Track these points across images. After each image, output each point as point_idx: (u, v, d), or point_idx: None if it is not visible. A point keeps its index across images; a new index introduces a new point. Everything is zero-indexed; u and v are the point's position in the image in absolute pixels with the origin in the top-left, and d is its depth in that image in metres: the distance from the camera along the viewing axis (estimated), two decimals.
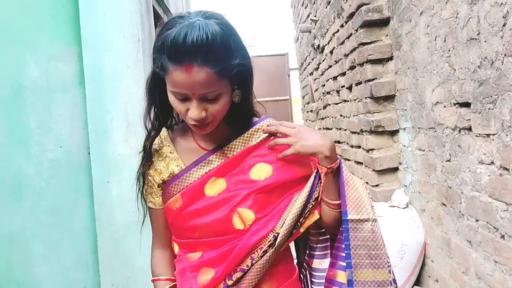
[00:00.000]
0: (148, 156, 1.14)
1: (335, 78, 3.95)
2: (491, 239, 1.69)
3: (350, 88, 3.43)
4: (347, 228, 1.06)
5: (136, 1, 3.05)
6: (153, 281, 1.22)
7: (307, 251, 1.22)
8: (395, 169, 2.87)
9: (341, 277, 1.08)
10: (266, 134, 1.14)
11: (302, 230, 1.10)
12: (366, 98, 2.98)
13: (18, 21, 2.93)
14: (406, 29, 2.51)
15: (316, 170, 1.10)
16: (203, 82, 0.95)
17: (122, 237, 2.85)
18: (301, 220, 1.08)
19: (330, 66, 4.12)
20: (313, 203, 1.09)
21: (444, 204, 2.14)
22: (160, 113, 1.13)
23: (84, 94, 2.92)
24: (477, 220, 1.81)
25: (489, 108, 1.63)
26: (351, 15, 3.12)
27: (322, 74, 4.62)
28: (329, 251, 1.18)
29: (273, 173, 1.10)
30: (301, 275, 1.22)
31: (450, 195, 2.05)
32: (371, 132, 2.91)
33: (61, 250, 2.96)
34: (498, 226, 1.62)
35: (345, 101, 3.64)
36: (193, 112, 0.99)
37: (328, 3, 3.96)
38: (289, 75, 8.81)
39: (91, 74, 2.93)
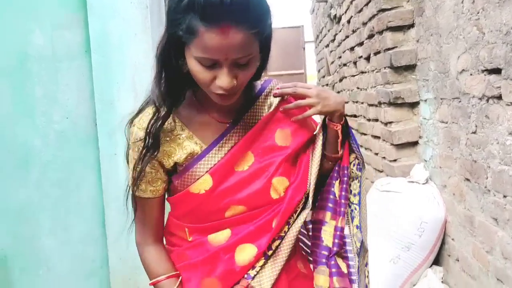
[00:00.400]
0: (157, 141, 0.99)
1: (352, 48, 3.78)
2: None
3: (368, 58, 3.26)
4: (361, 179, 1.20)
5: None
6: (155, 283, 1.08)
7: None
8: (415, 143, 2.72)
9: (327, 217, 1.13)
10: (278, 99, 1.09)
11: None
12: (385, 68, 2.82)
13: None
14: None
15: (322, 131, 1.12)
16: (239, 45, 0.85)
17: (130, 211, 2.77)
18: (317, 177, 1.08)
19: (347, 37, 3.95)
20: (323, 159, 1.12)
21: (467, 179, 2.01)
22: (174, 87, 0.99)
23: (90, 63, 2.81)
24: (504, 196, 1.67)
25: None
26: None
27: (338, 46, 4.45)
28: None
29: (292, 137, 1.08)
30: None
31: (475, 170, 1.91)
32: (390, 104, 2.76)
33: (69, 223, 2.90)
34: None
35: (362, 72, 3.48)
36: (224, 80, 0.89)
37: None
38: (304, 48, 8.60)
39: (97, 42, 2.82)
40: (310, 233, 1.19)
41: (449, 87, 2.17)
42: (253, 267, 1.03)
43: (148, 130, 0.98)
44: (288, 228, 1.04)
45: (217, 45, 0.84)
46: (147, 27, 2.86)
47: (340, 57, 4.41)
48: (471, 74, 1.92)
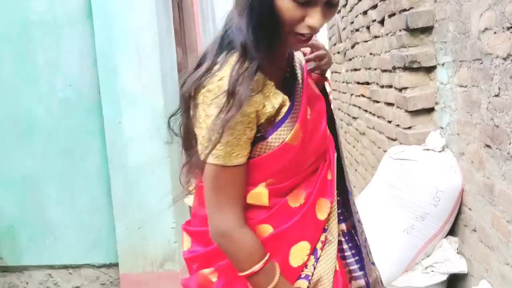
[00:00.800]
0: (247, 92, 0.87)
1: (365, 12, 3.62)
2: None
3: (382, 22, 3.11)
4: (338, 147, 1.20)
5: None
6: (265, 264, 0.94)
7: None
8: (431, 110, 2.60)
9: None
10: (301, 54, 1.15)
11: None
12: (400, 30, 2.68)
13: None
14: None
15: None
16: None
17: (136, 180, 2.72)
18: None
19: (359, 0, 3.78)
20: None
21: (488, 146, 1.90)
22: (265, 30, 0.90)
23: (92, 28, 2.71)
24: None
25: None
26: None
27: (350, 11, 4.27)
28: None
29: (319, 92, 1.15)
30: None
31: (497, 135, 1.80)
32: (405, 68, 2.63)
33: (74, 192, 2.86)
34: None
35: (375, 37, 3.33)
36: (317, 19, 0.88)
37: None
38: None
39: (99, 6, 2.71)
40: None
41: (470, 48, 2.04)
42: (328, 219, 1.07)
43: (236, 80, 0.86)
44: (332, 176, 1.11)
45: None
46: None
47: (352, 22, 4.25)
48: (495, 33, 1.78)
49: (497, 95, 1.79)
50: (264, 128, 0.95)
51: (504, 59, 1.72)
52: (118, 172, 2.74)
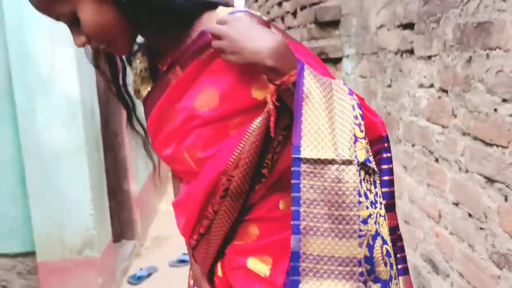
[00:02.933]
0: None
1: (279, 4, 3.78)
2: (425, 163, 1.69)
3: (294, 14, 3.29)
4: (298, 173, 0.73)
5: None
6: None
7: None
8: None
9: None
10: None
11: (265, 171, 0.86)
12: (310, 23, 2.86)
13: None
14: None
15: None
16: (41, 5, 0.80)
17: (52, 167, 2.68)
18: (270, 159, 0.84)
19: None
20: (283, 135, 0.84)
21: None
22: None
23: (1, 11, 2.61)
24: (413, 145, 1.80)
25: (432, 28, 1.57)
26: None
27: (266, 1, 4.42)
28: None
29: (219, 101, 0.83)
30: None
31: (389, 122, 2.03)
32: None
33: None
34: (433, 150, 1.62)
35: (289, 27, 3.50)
36: (74, 42, 0.84)
37: None
38: (233, 3, 8.48)
39: None
40: None
41: (369, 42, 2.25)
42: (191, 237, 0.96)
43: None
44: (214, 212, 0.90)
45: (37, 10, 0.81)
46: None
47: (268, 12, 4.40)
48: (388, 29, 2.00)
49: (389, 86, 2.02)
50: None
51: (395, 53, 1.94)
52: (32, 160, 2.69)
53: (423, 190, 1.73)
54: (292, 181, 0.74)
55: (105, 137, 3.21)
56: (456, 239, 1.49)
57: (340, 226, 0.73)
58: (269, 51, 0.75)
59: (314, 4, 2.79)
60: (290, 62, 0.77)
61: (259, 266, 0.89)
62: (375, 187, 0.80)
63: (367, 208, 0.74)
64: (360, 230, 0.73)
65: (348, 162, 0.74)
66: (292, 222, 0.73)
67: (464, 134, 1.40)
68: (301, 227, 0.73)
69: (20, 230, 2.78)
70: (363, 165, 0.76)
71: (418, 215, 1.79)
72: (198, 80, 0.85)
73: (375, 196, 0.79)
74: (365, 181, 0.76)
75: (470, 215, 1.39)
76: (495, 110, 1.22)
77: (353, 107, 0.80)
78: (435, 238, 1.64)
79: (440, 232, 1.61)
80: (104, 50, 0.88)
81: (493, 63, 1.21)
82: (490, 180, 1.27)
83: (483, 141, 1.29)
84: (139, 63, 0.99)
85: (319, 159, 0.73)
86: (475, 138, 1.33)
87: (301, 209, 0.73)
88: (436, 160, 1.60)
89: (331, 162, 0.73)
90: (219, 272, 0.96)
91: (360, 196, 0.74)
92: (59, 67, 2.64)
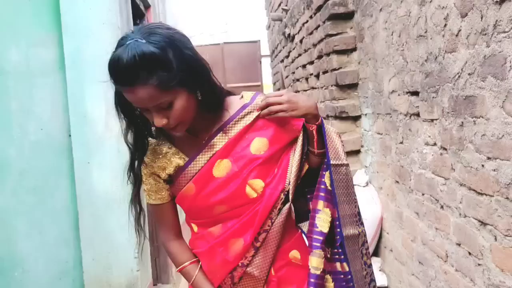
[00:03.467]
0: (140, 179, 1.27)
1: (304, 66, 4.17)
2: (433, 209, 1.95)
3: (317, 76, 3.65)
4: (331, 171, 1.23)
5: None
6: (180, 269, 1.33)
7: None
8: (357, 152, 3.12)
9: (320, 205, 1.26)
10: (260, 112, 1.23)
11: (298, 181, 1.27)
12: (331, 86, 3.21)
13: None
14: (368, 23, 2.75)
15: (302, 131, 1.26)
16: (148, 98, 1.05)
17: (102, 215, 3.02)
18: (299, 174, 1.25)
19: (299, 55, 4.34)
20: (305, 157, 1.28)
21: (397, 182, 2.41)
22: (140, 125, 1.22)
23: (64, 78, 3.05)
24: (423, 194, 2.07)
25: (433, 97, 1.88)
26: (319, 8, 3.33)
27: (292, 62, 4.83)
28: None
29: (269, 145, 1.22)
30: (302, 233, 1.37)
31: (402, 173, 2.31)
32: (336, 117, 3.15)
33: (43, 227, 3.11)
34: (438, 198, 1.89)
35: (313, 88, 3.87)
36: (155, 121, 1.10)
37: None
38: (260, 62, 9.00)
39: (72, 60, 3.06)
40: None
41: (383, 104, 2.57)
42: (244, 257, 1.24)
43: (132, 171, 1.28)
44: (272, 223, 1.22)
45: (132, 100, 1.07)
46: None
47: (293, 72, 4.79)
48: (398, 95, 2.32)
49: (401, 142, 2.31)
50: (172, 178, 1.27)
51: (405, 115, 2.25)
52: (86, 208, 3.03)
53: (432, 233, 1.98)
54: (331, 177, 1.24)
55: None
56: (461, 275, 1.73)
57: (349, 198, 1.27)
58: (314, 106, 1.24)
59: (335, 69, 3.15)
60: (318, 112, 1.26)
61: (296, 255, 1.30)
62: None
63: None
64: (355, 199, 1.30)
65: (347, 164, 1.29)
66: (334, 200, 1.24)
67: (461, 185, 1.67)
68: (337, 200, 1.23)
69: (71, 271, 3.09)
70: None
71: (429, 255, 2.03)
72: (245, 136, 1.23)
73: None
74: None
75: (470, 253, 1.65)
76: (483, 165, 1.50)
77: (338, 135, 1.32)
78: (444, 275, 1.88)
79: (447, 270, 1.85)
80: (169, 129, 1.15)
81: (479, 128, 1.51)
82: (483, 223, 1.53)
83: (475, 191, 1.57)
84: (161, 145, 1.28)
85: (337, 164, 1.26)
86: (470, 189, 1.61)
87: (336, 191, 1.24)
88: (442, 207, 1.87)
89: (342, 165, 1.26)
90: (272, 271, 1.27)
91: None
92: (111, 126, 3.04)
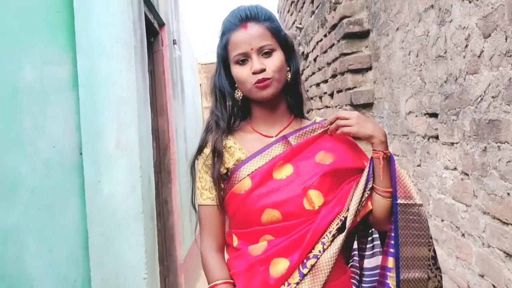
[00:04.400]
0: (220, 154, 1.24)
1: (318, 84, 4.13)
2: (453, 237, 1.87)
3: (331, 95, 3.61)
4: (396, 211, 1.16)
5: (129, 9, 3.19)
6: (213, 286, 1.22)
7: (358, 253, 1.30)
8: None
9: (391, 263, 1.17)
10: (326, 128, 1.24)
11: (358, 219, 1.19)
12: (346, 105, 3.16)
13: (15, 26, 3.04)
14: (384, 43, 2.70)
15: (369, 163, 1.22)
16: (259, 36, 1.18)
17: (112, 234, 2.98)
18: (359, 207, 1.17)
19: (313, 73, 4.30)
20: (368, 192, 1.19)
21: None
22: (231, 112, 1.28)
23: (77, 97, 3.04)
24: (442, 220, 1.99)
25: (453, 120, 1.81)
26: (333, 26, 3.30)
27: (306, 80, 4.80)
28: (377, 250, 1.27)
29: (334, 159, 1.21)
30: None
31: (420, 198, 2.23)
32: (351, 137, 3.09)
33: (53, 246, 3.07)
34: (459, 226, 1.81)
35: (327, 107, 3.82)
36: (254, 65, 1.17)
37: (313, 12, 4.13)
38: None
39: (85, 78, 3.05)
40: (364, 278, 1.27)
41: (399, 125, 2.51)
42: (288, 284, 1.13)
43: (213, 147, 1.24)
44: (324, 249, 1.13)
45: (241, 39, 1.18)
46: (132, 65, 3.13)
47: (307, 90, 4.76)
48: (416, 116, 2.26)
49: (419, 165, 2.24)
50: (229, 173, 1.25)
51: (423, 137, 2.18)
52: (95, 227, 2.99)
53: (452, 262, 1.89)
54: (393, 217, 1.17)
55: (157, 205, 3.51)
56: None
57: (419, 240, 1.18)
58: (383, 132, 1.22)
59: (349, 89, 3.10)
60: (387, 142, 1.24)
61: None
62: None
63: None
64: (429, 242, 1.20)
65: (421, 204, 1.21)
66: (393, 240, 1.16)
67: (484, 213, 1.60)
68: (400, 241, 1.16)
69: None
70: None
71: (449, 285, 1.94)
72: (311, 147, 1.24)
73: None
74: None
75: (494, 286, 1.56)
76: (508, 194, 1.43)
77: (408, 175, 1.24)
78: None
79: None
80: (261, 84, 1.18)
81: (504, 154, 1.44)
82: (509, 255, 1.45)
83: (500, 220, 1.49)
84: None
85: (407, 204, 1.18)
86: (494, 217, 1.53)
87: (399, 232, 1.16)
88: (463, 235, 1.79)
89: (414, 205, 1.19)
90: None
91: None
92: (123, 145, 3.01)
